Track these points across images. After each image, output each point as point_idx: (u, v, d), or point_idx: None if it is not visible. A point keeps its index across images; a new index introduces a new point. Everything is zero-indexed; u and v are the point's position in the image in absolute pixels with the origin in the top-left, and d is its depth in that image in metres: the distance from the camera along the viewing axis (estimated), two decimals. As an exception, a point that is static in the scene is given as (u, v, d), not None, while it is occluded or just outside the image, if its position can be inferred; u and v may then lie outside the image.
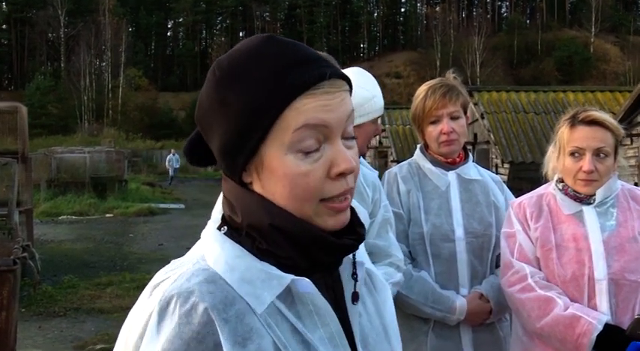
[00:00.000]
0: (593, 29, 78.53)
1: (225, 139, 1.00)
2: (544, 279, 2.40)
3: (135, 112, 66.50)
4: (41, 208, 19.39)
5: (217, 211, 1.07)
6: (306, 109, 0.97)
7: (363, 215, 2.31)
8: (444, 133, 2.67)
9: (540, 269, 2.42)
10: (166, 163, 36.91)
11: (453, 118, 2.68)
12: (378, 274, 1.23)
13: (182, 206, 23.28)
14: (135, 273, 10.40)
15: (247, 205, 1.02)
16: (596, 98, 18.69)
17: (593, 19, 78.31)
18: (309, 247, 1.00)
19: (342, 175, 0.99)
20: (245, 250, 1.01)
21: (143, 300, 1.01)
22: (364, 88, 2.55)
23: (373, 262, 2.38)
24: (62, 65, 75.64)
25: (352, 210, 1.07)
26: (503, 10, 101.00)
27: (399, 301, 2.61)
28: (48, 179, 22.86)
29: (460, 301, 2.62)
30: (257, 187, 1.02)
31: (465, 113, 2.74)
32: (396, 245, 2.47)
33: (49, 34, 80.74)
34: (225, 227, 1.05)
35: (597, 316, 2.26)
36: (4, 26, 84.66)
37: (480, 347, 2.69)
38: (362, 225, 1.08)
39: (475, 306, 2.63)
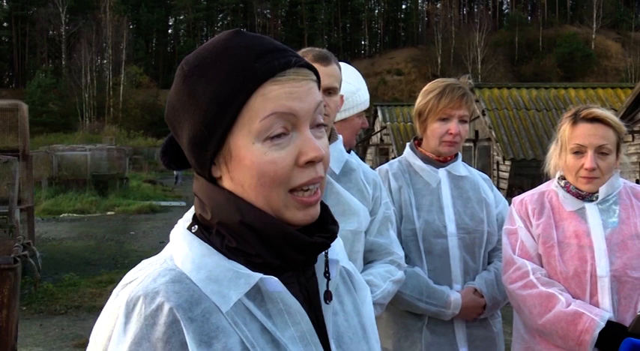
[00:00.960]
0: (594, 25, 78.55)
1: (193, 132, 0.99)
2: (546, 276, 2.39)
3: (136, 109, 66.57)
4: (42, 205, 19.42)
5: (190, 211, 1.07)
6: (273, 96, 0.97)
7: (364, 213, 2.31)
8: (451, 134, 2.66)
9: (542, 266, 2.42)
10: None
11: (462, 121, 2.68)
12: (358, 273, 1.23)
13: (183, 204, 23.30)
14: (136, 271, 10.40)
15: (217, 202, 1.02)
16: (598, 95, 18.68)
17: (595, 15, 78.33)
18: (280, 244, 1.00)
19: (310, 163, 0.99)
20: (213, 249, 1.01)
21: (111, 300, 1.01)
22: (348, 82, 2.54)
23: (374, 260, 2.38)
24: (63, 63, 75.72)
25: (325, 208, 1.07)
26: (505, 6, 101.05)
27: (393, 297, 2.61)
28: (49, 177, 22.89)
29: (454, 296, 2.62)
30: (226, 181, 1.02)
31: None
32: (397, 243, 2.46)
33: (50, 32, 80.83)
34: (196, 226, 1.05)
35: (600, 313, 2.25)
36: (4, 24, 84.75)
37: (474, 343, 2.69)
38: (335, 223, 1.08)
39: (469, 300, 2.63)
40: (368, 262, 2.39)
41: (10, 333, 5.12)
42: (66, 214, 19.50)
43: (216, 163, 1.02)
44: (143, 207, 20.72)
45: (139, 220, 18.33)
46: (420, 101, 2.73)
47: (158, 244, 13.76)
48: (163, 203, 22.91)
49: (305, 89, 1.00)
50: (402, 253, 2.46)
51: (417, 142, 2.83)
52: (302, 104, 0.99)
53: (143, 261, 1.06)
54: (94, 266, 11.22)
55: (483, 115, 18.11)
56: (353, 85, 2.58)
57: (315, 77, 1.04)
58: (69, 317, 8.00)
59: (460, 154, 2.84)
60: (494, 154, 18.18)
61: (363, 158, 19.60)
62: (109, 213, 20.18)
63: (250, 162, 0.98)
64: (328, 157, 1.04)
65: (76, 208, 20.20)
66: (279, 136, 0.98)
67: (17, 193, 9.60)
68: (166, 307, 0.94)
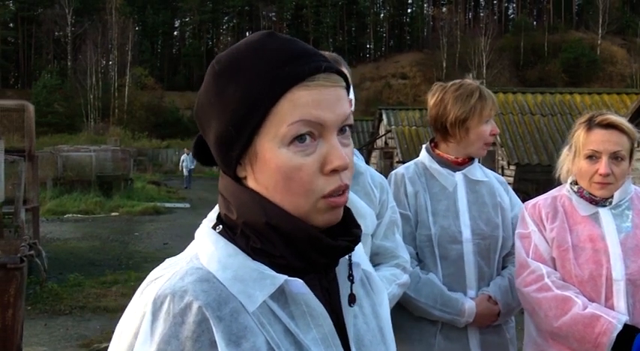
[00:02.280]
0: (600, 31, 78.39)
1: (221, 130, 1.00)
2: (560, 279, 2.40)
3: (141, 111, 66.55)
4: (47, 206, 19.43)
5: (214, 210, 1.08)
6: (301, 103, 0.96)
7: (371, 216, 2.32)
8: (493, 134, 2.68)
9: (556, 270, 2.42)
10: (180, 164, 33.98)
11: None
12: (376, 276, 1.23)
13: (187, 205, 23.31)
14: (140, 272, 10.42)
15: (243, 202, 1.02)
16: (603, 100, 18.65)
17: (600, 20, 78.17)
18: (305, 247, 1.00)
19: (335, 171, 0.99)
20: (238, 249, 1.01)
21: (136, 297, 1.01)
22: None
23: (380, 263, 2.39)
24: (69, 64, 75.81)
25: (348, 211, 1.07)
26: (510, 11, 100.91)
27: (407, 303, 2.61)
28: (54, 177, 22.90)
29: (469, 304, 2.61)
30: (251, 181, 1.02)
31: None
32: (403, 246, 2.47)
33: (56, 33, 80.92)
34: (220, 226, 1.05)
35: (617, 316, 2.26)
36: (11, 24, 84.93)
37: (487, 349, 2.68)
38: (358, 226, 1.08)
39: (484, 308, 2.62)
40: (374, 265, 2.39)
41: (16, 332, 5.14)
42: (70, 215, 19.51)
43: (241, 163, 1.02)
44: (147, 208, 20.72)
45: (143, 222, 18.33)
46: (459, 108, 2.65)
47: (162, 245, 13.78)
48: (168, 205, 22.91)
49: (334, 97, 0.99)
50: (407, 257, 2.46)
51: (434, 145, 2.81)
52: (330, 114, 0.98)
53: (167, 260, 1.06)
54: (98, 267, 11.24)
55: (488, 119, 18.08)
56: None
57: (344, 83, 1.03)
58: (73, 317, 8.02)
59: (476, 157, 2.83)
60: (499, 158, 18.16)
61: (367, 161, 19.53)
62: (113, 214, 20.19)
63: (276, 166, 0.97)
64: (352, 165, 1.04)
65: (81, 209, 20.21)
66: (305, 142, 0.97)
67: (23, 193, 9.63)
68: (195, 306, 0.94)
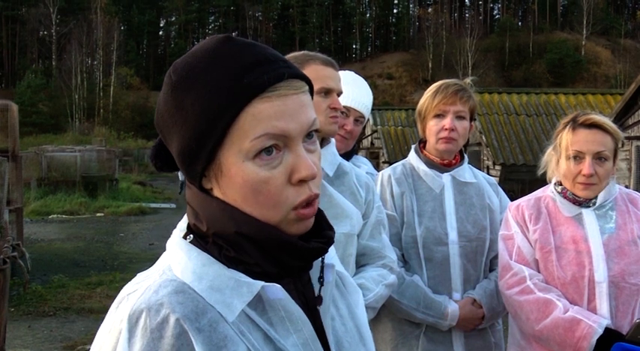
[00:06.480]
0: (584, 32, 78.95)
1: (183, 144, 0.97)
2: (543, 281, 2.38)
3: (126, 111, 66.39)
4: (31, 206, 19.30)
5: (183, 220, 1.05)
6: (264, 116, 0.93)
7: (356, 216, 2.30)
8: (446, 129, 2.61)
9: (539, 272, 2.41)
10: None
11: (459, 117, 2.63)
12: (349, 276, 1.21)
13: (173, 206, 23.23)
14: (125, 273, 10.37)
15: (211, 212, 0.99)
16: (588, 101, 18.77)
17: (585, 21, 78.73)
18: (278, 252, 0.98)
19: (303, 181, 0.97)
20: (212, 258, 0.99)
21: (110, 315, 0.98)
22: None
23: (366, 264, 2.37)
24: (53, 63, 75.41)
25: (320, 213, 1.06)
26: (495, 12, 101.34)
27: (390, 305, 2.59)
28: (38, 178, 22.74)
29: (452, 307, 2.59)
30: (218, 194, 1.00)
31: (472, 120, 2.71)
32: (390, 246, 2.44)
33: (41, 32, 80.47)
34: (191, 236, 1.03)
35: (597, 320, 2.25)
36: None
37: None
38: (331, 228, 1.07)
39: (467, 312, 2.60)
40: (360, 265, 2.37)
41: (-1, 334, 5.09)
42: (55, 216, 19.39)
43: (207, 175, 0.99)
44: (132, 209, 20.63)
45: (129, 222, 18.23)
46: (420, 102, 2.71)
47: (147, 246, 13.71)
48: (153, 205, 22.82)
49: (297, 105, 0.96)
50: (394, 257, 2.44)
51: (422, 146, 2.79)
52: (294, 124, 0.95)
53: (139, 274, 1.03)
54: (83, 268, 11.16)
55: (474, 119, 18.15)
56: None
57: (307, 87, 1.00)
58: (57, 319, 7.96)
59: (467, 158, 2.79)
60: (485, 158, 18.22)
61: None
62: (98, 214, 20.09)
63: (242, 180, 0.95)
64: (320, 173, 1.01)
65: (65, 210, 20.09)
66: (271, 155, 0.95)
67: (6, 194, 9.54)
68: (172, 319, 0.91)
